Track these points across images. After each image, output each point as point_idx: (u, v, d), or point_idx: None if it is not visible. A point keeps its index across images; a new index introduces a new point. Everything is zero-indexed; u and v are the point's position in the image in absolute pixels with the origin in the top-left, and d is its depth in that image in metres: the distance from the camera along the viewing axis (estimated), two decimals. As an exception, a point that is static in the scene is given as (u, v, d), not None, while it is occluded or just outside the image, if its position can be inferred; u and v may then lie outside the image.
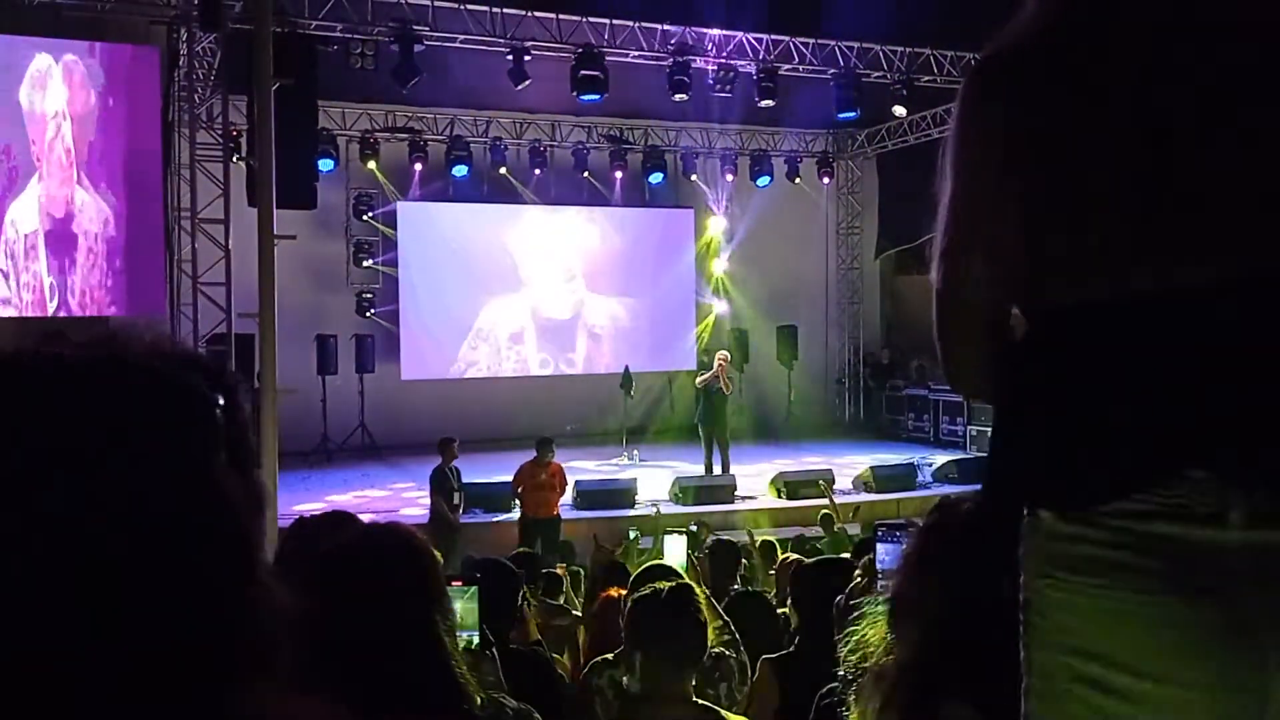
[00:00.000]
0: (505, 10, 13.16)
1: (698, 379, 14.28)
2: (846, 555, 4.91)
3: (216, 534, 0.65)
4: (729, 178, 19.55)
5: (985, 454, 1.19)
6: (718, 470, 14.10)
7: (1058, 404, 1.05)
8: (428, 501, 11.13)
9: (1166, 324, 0.99)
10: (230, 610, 0.65)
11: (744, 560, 6.72)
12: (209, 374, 0.69)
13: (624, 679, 2.80)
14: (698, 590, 3.04)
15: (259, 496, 0.68)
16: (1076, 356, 1.04)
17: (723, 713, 2.81)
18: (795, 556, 6.72)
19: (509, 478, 11.57)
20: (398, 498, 13.27)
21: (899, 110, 16.02)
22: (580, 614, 5.90)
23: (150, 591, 0.61)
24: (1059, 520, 1.08)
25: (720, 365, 14.36)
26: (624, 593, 4.61)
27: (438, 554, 1.83)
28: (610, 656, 3.49)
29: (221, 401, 0.68)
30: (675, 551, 7.22)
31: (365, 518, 2.16)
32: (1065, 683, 1.07)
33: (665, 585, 2.91)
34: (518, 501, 11.38)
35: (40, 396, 0.62)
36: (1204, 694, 0.98)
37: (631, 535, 9.69)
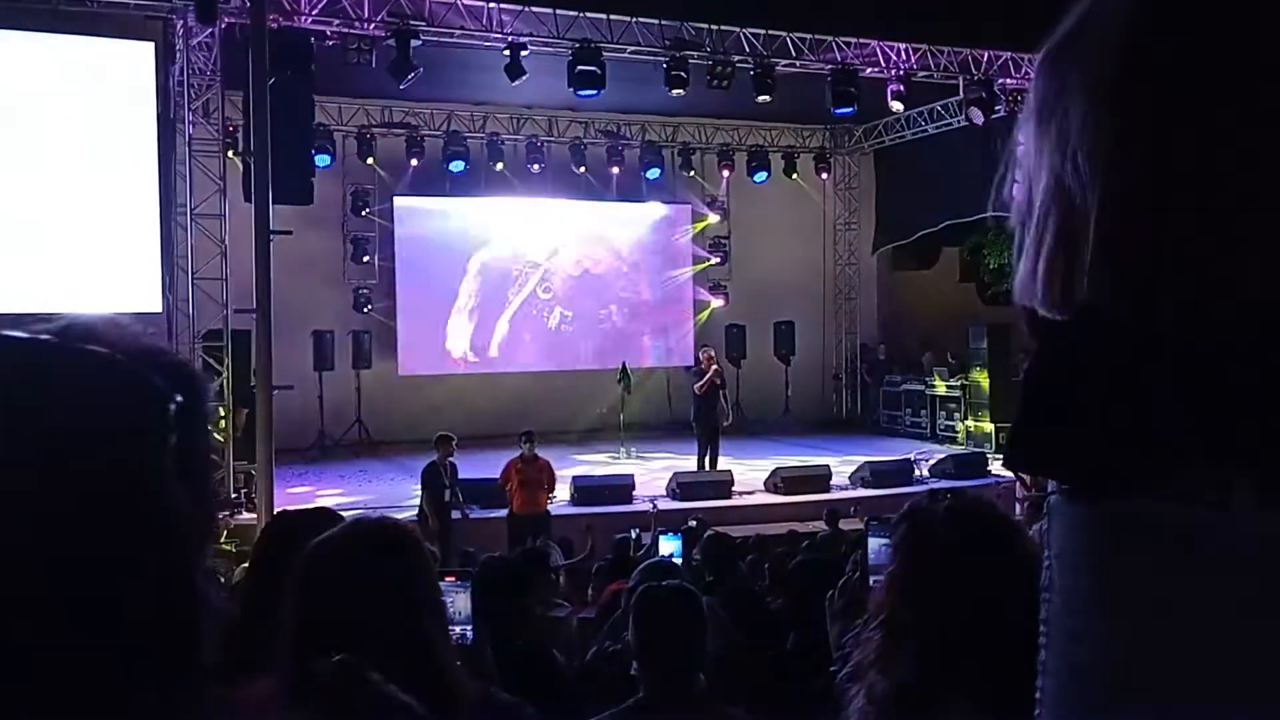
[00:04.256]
0: (502, 5, 13.13)
1: (696, 386, 14.27)
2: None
3: (151, 538, 0.62)
4: (726, 173, 19.54)
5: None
6: (709, 467, 14.09)
7: (1093, 379, 1.05)
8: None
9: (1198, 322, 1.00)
10: (158, 615, 0.62)
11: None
12: (169, 371, 0.66)
13: (630, 670, 2.81)
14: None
15: (208, 504, 0.66)
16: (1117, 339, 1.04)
17: (726, 709, 2.82)
18: (788, 551, 6.73)
19: (504, 474, 11.56)
20: (393, 493, 13.27)
21: (896, 106, 16.01)
22: (575, 607, 5.91)
23: (71, 595, 0.59)
24: (1082, 502, 1.09)
25: (712, 367, 14.35)
26: (626, 586, 4.63)
27: (432, 549, 1.84)
28: (615, 649, 3.50)
29: (179, 400, 0.65)
30: (671, 548, 7.25)
31: (359, 512, 2.16)
32: (1083, 658, 1.08)
33: (668, 583, 2.92)
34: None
35: None
36: (1221, 669, 1.00)
37: (633, 534, 9.70)
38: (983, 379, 16.95)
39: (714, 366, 14.40)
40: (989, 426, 16.62)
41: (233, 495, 11.99)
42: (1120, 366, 1.06)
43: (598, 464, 15.17)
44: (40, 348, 0.63)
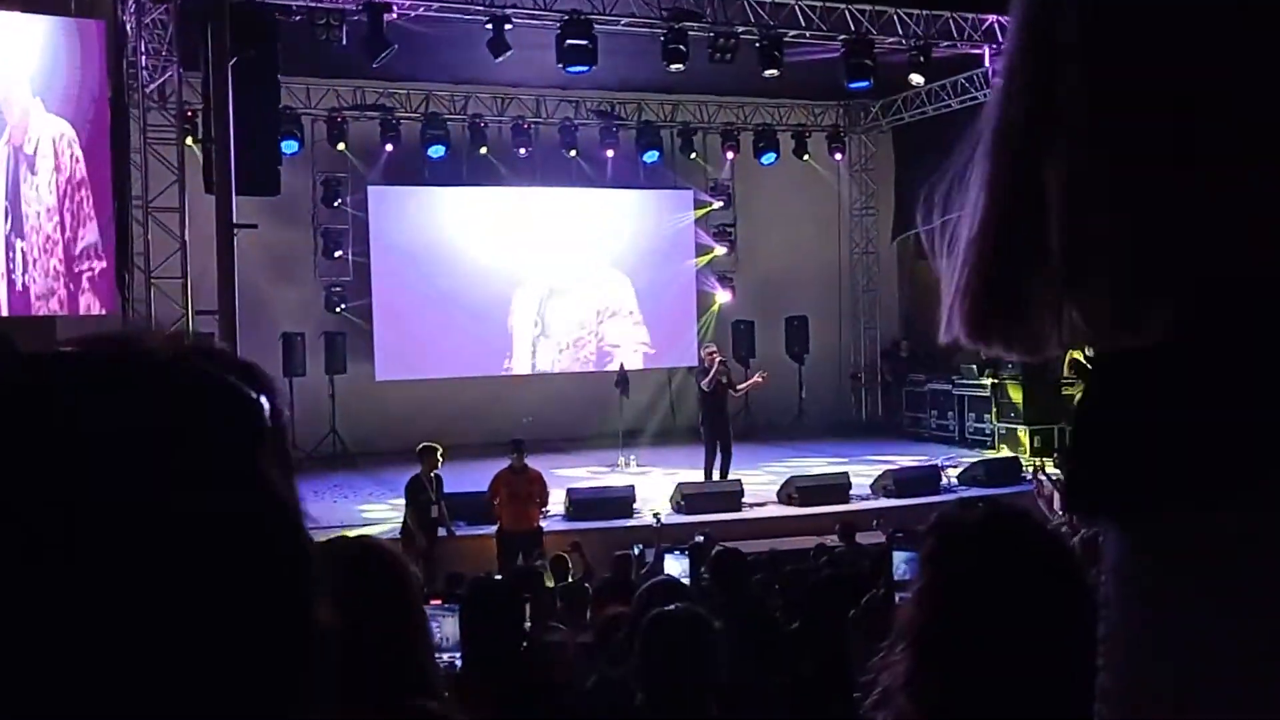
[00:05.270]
0: (484, -25, 13.16)
1: (703, 383, 14.26)
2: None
3: (283, 544, 0.65)
4: (730, 155, 19.55)
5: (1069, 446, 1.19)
6: (718, 476, 14.09)
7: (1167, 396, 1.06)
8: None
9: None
10: (294, 629, 0.64)
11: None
12: (245, 374, 0.68)
13: (635, 700, 2.81)
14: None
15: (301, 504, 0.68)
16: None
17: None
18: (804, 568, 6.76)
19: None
20: (373, 509, 13.27)
21: (916, 79, 16.02)
22: (572, 630, 5.92)
23: (215, 608, 0.61)
24: (1144, 519, 1.09)
25: (716, 362, 14.32)
26: (626, 609, 4.63)
27: (416, 570, 1.84)
28: (618, 676, 3.52)
29: (268, 405, 0.66)
30: (678, 569, 7.28)
31: (335, 532, 2.16)
32: (1145, 679, 1.09)
33: (677, 607, 2.93)
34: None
35: (71, 401, 0.60)
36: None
37: (636, 551, 9.71)
38: (1015, 377, 16.96)
39: (718, 361, 14.34)
40: (1022, 429, 16.63)
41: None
42: (1168, 389, 1.06)
43: (595, 474, 15.16)
44: (123, 363, 0.64)
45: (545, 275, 18.95)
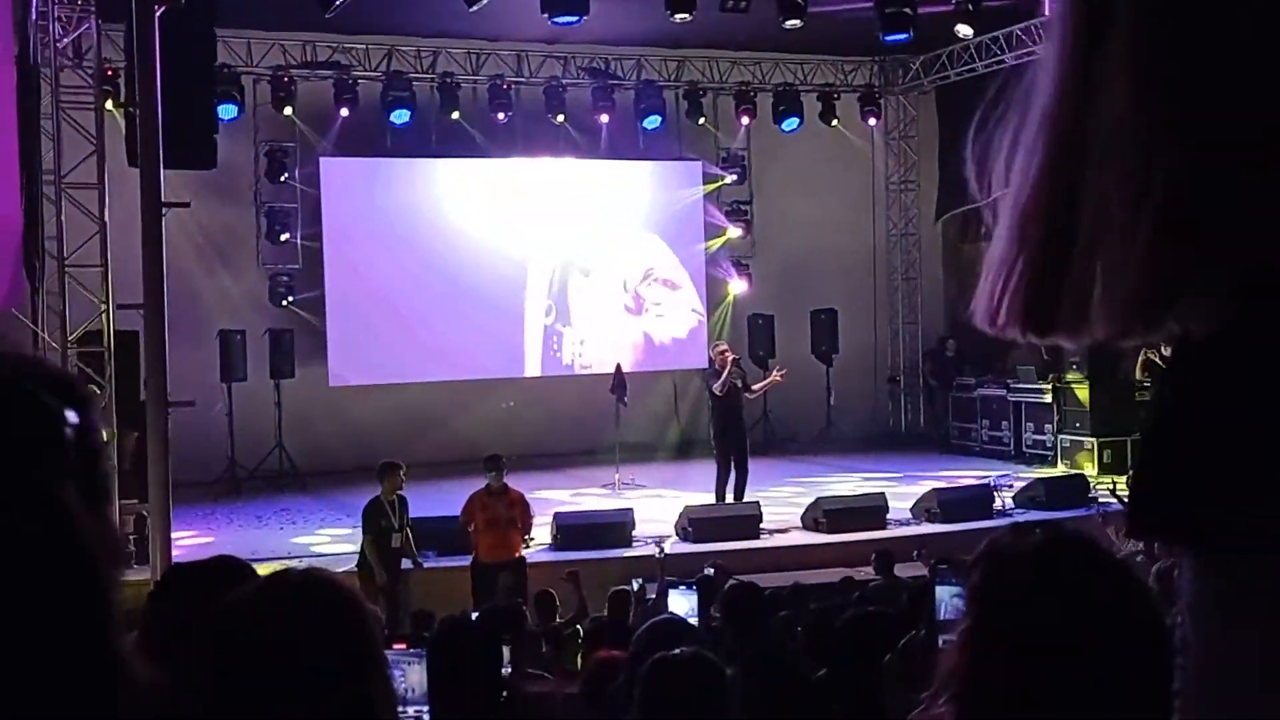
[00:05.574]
0: (455, -91, 13.18)
1: (715, 387, 14.24)
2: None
3: (68, 585, 0.63)
4: (745, 120, 19.58)
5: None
6: (732, 498, 14.11)
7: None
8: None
9: None
10: (83, 686, 0.63)
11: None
12: (56, 386, 0.67)
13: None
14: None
15: (114, 540, 0.67)
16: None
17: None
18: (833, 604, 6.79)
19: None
20: (324, 539, 13.29)
21: (963, 31, 16.01)
22: (558, 679, 5.96)
23: None
24: (1227, 545, 1.10)
25: (729, 361, 14.32)
26: (623, 654, 4.65)
27: (375, 609, 1.84)
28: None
29: (74, 420, 0.66)
30: (685, 606, 7.30)
31: (280, 565, 2.16)
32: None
33: (681, 651, 2.93)
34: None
35: None
36: None
37: (635, 585, 9.74)
38: (1080, 381, 16.98)
39: (730, 360, 14.30)
40: (1089, 442, 16.63)
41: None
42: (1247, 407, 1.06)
43: (586, 496, 15.18)
44: None
45: (526, 262, 18.96)
